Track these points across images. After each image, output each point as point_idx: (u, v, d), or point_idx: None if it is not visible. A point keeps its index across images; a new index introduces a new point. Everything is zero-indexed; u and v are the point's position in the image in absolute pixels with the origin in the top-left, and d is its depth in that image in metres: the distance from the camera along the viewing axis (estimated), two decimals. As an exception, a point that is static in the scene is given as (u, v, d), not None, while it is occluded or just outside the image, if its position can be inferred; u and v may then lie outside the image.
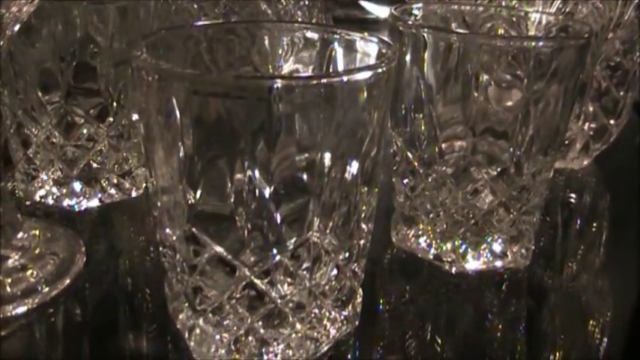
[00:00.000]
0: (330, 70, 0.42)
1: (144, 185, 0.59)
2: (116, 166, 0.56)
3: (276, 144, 0.34)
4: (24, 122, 0.54)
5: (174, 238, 0.38)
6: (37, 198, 0.56)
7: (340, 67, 0.42)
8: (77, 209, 0.56)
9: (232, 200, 0.36)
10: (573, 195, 0.64)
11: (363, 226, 0.40)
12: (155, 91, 0.35)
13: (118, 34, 0.53)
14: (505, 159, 0.47)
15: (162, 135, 0.36)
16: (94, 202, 0.56)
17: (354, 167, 0.37)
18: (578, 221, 0.61)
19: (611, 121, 0.64)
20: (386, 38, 0.42)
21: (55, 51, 0.52)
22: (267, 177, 0.35)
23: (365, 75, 0.35)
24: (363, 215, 0.39)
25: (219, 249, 0.36)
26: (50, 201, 0.56)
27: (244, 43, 0.43)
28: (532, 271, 0.51)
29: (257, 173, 0.35)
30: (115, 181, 0.57)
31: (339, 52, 0.42)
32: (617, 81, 0.62)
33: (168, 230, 0.38)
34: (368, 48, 0.41)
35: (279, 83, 0.33)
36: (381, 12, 1.14)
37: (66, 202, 0.56)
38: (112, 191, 0.57)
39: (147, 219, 0.57)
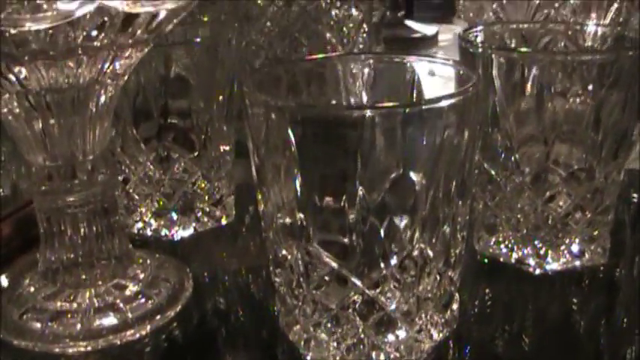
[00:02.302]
0: (416, 95, 0.46)
1: (233, 213, 0.63)
2: (207, 196, 0.60)
3: (380, 166, 0.38)
4: (121, 160, 0.58)
5: (290, 257, 0.42)
6: (135, 230, 0.60)
7: (425, 91, 0.45)
8: (175, 239, 0.60)
9: (344, 222, 0.39)
10: (636, 195, 0.67)
11: (459, 235, 0.43)
12: (266, 124, 0.39)
13: (204, 71, 0.57)
14: (578, 164, 0.50)
15: (276, 163, 0.40)
16: (189, 231, 0.60)
17: (451, 184, 0.40)
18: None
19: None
20: (443, 56, 0.46)
21: (149, 90, 0.56)
22: (372, 197, 0.39)
23: (454, 100, 0.38)
24: (458, 226, 0.43)
25: (335, 264, 0.40)
26: (149, 232, 0.60)
27: (334, 74, 0.47)
28: (610, 268, 0.54)
29: (364, 193, 0.38)
30: (208, 209, 0.61)
31: (421, 77, 0.46)
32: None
33: (284, 251, 0.42)
34: (448, 72, 0.45)
35: (379, 112, 0.37)
36: (428, 30, 1.18)
37: (163, 232, 0.60)
38: (205, 219, 0.61)
39: (238, 244, 0.61)
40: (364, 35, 0.74)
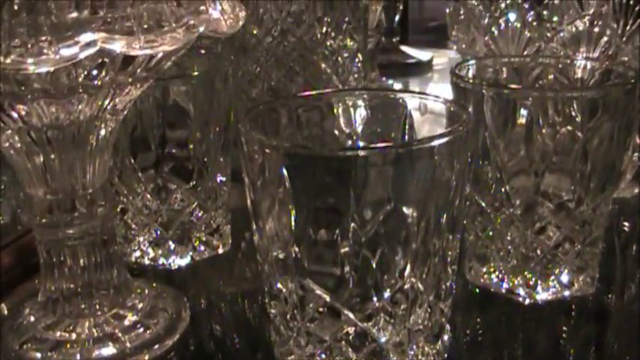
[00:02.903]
0: (407, 130, 0.47)
1: (230, 241, 0.64)
2: (204, 225, 0.61)
3: (372, 201, 0.39)
4: (119, 190, 0.59)
5: (285, 290, 0.43)
6: (133, 259, 0.61)
7: (416, 127, 0.47)
8: (172, 267, 0.61)
9: (337, 255, 0.40)
10: (627, 223, 0.68)
11: (449, 269, 0.44)
12: (261, 162, 0.41)
13: (201, 102, 0.59)
14: (567, 195, 0.51)
15: (271, 198, 0.41)
16: (186, 260, 0.61)
17: (441, 218, 0.42)
18: (634, 247, 0.65)
19: (659, 150, 0.68)
20: (435, 92, 0.47)
21: (146, 121, 0.57)
22: (364, 231, 0.40)
23: (445, 139, 0.40)
24: (449, 259, 0.44)
25: (328, 297, 0.41)
26: (146, 261, 0.61)
27: (328, 110, 0.48)
28: (598, 298, 0.55)
29: (356, 227, 0.40)
30: (204, 239, 0.62)
31: (413, 113, 0.47)
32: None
33: (279, 284, 0.43)
34: (439, 108, 0.46)
35: (369, 153, 0.38)
36: (423, 55, 1.19)
37: (161, 261, 0.61)
38: (202, 248, 0.62)
39: (234, 272, 0.62)
40: (359, 64, 0.76)
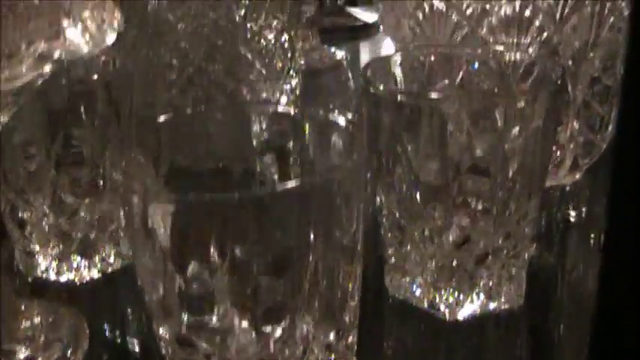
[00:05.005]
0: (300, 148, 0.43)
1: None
2: (112, 233, 0.57)
3: (252, 249, 0.36)
4: (17, 205, 0.55)
5: (166, 340, 0.39)
6: (39, 273, 0.57)
7: (310, 144, 0.43)
8: (78, 282, 0.57)
9: (213, 304, 0.37)
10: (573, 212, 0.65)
11: (351, 303, 0.40)
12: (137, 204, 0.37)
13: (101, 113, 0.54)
14: (488, 208, 0.47)
15: (146, 249, 0.37)
16: (94, 273, 0.57)
17: (335, 254, 0.38)
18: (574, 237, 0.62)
19: (597, 137, 0.64)
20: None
21: (39, 134, 0.53)
22: (242, 280, 0.36)
23: (332, 176, 0.36)
24: (349, 292, 0.40)
25: (210, 350, 0.37)
26: (52, 275, 0.57)
27: (222, 123, 0.44)
28: (527, 311, 0.51)
29: (233, 277, 0.36)
30: (114, 250, 0.57)
31: (309, 128, 0.43)
32: (599, 98, 0.62)
33: (162, 332, 0.39)
34: (338, 128, 0.42)
35: (247, 198, 0.34)
36: (369, 17, 1.14)
37: (66, 277, 0.57)
38: (111, 259, 0.58)
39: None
40: (286, 44, 0.71)
